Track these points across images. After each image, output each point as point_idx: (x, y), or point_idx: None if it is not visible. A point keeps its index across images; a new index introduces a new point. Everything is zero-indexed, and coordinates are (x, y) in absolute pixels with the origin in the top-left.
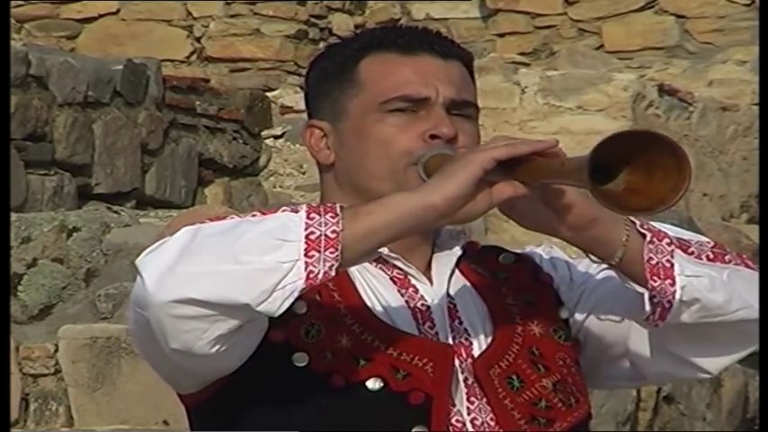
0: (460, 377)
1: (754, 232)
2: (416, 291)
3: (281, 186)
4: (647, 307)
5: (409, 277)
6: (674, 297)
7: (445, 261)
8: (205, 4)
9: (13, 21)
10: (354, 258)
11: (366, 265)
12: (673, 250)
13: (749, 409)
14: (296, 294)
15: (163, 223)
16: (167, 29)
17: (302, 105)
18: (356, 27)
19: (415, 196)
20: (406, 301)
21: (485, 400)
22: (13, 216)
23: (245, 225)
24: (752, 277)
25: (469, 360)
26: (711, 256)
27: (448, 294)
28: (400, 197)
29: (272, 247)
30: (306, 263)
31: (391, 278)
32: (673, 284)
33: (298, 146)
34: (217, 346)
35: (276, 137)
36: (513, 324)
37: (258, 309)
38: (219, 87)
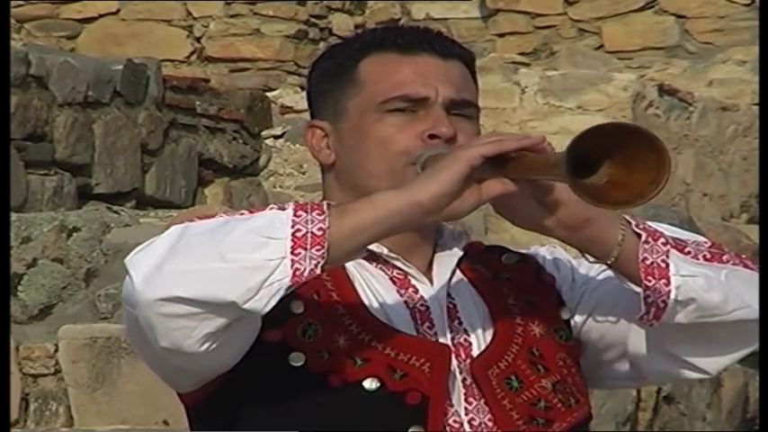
0: (458, 377)
1: (754, 232)
2: (416, 291)
3: (281, 186)
4: (642, 307)
5: (409, 277)
6: (668, 297)
7: (446, 261)
8: (205, 4)
9: (13, 21)
10: (341, 256)
11: (366, 265)
12: (668, 250)
13: (749, 409)
14: (282, 292)
15: (163, 223)
16: (167, 29)
17: (302, 105)
18: (356, 27)
19: (401, 194)
20: (405, 302)
21: (483, 400)
22: (13, 216)
23: (233, 223)
24: (751, 277)
25: (468, 360)
26: (708, 256)
27: (448, 294)
28: (387, 195)
29: (259, 245)
30: (292, 260)
31: (391, 278)
32: (668, 284)
33: (298, 146)
34: (206, 345)
35: (276, 137)
36: (514, 324)
37: (245, 306)
38: (219, 87)
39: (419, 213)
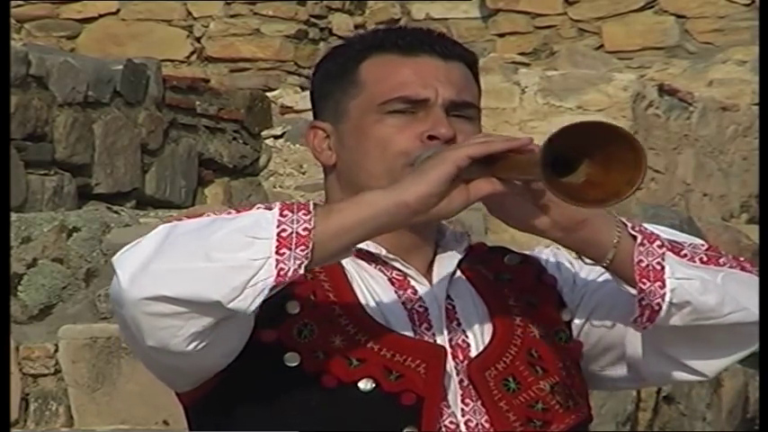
0: (455, 378)
1: (754, 232)
2: (415, 292)
3: (281, 186)
4: (637, 309)
5: (408, 278)
6: (663, 299)
7: (447, 262)
8: (205, 4)
9: (13, 21)
10: (327, 256)
11: (365, 265)
12: (664, 253)
13: (749, 409)
14: (267, 292)
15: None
16: (167, 29)
17: (302, 105)
18: (356, 27)
19: (388, 194)
20: (403, 302)
21: (479, 401)
22: (13, 216)
23: (219, 222)
24: (748, 280)
25: (465, 361)
26: (705, 258)
27: (448, 295)
28: (373, 195)
29: (244, 245)
30: (277, 260)
31: (390, 279)
32: (663, 287)
33: (298, 146)
34: (194, 344)
35: (276, 137)
36: (513, 325)
37: (229, 306)
38: (219, 87)
39: (406, 213)
